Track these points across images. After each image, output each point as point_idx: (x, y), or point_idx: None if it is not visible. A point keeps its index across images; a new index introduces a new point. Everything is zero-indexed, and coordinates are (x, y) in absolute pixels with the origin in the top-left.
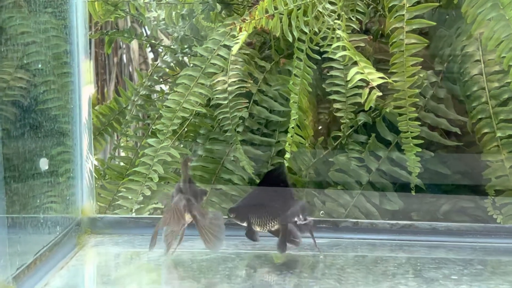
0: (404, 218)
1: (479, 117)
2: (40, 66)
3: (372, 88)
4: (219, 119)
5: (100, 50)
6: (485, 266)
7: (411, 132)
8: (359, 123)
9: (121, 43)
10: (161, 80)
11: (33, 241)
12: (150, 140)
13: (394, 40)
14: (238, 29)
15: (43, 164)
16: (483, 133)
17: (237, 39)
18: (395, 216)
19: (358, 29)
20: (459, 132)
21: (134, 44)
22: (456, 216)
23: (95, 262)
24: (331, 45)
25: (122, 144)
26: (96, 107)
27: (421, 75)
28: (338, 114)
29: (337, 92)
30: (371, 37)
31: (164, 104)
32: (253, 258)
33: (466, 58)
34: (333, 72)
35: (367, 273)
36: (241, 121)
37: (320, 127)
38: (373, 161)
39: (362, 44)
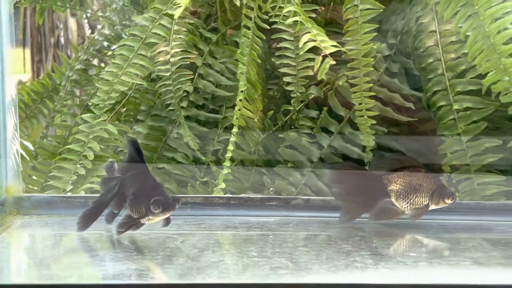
0: None
1: (435, 89)
2: None
3: (325, 57)
4: (161, 93)
5: (36, 32)
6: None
7: (365, 104)
8: (310, 98)
9: (58, 23)
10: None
11: None
12: (85, 116)
13: (348, 6)
14: None
15: None
16: (439, 106)
17: (180, 3)
18: None
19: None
20: (413, 108)
21: (73, 24)
22: None
23: (21, 245)
24: (280, 15)
25: (54, 122)
26: (28, 83)
27: (375, 46)
28: (288, 88)
29: (287, 65)
30: (323, 8)
31: (100, 76)
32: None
33: (421, 29)
34: (282, 44)
35: (320, 251)
36: (186, 95)
37: (269, 103)
38: (325, 137)
39: (314, 15)
